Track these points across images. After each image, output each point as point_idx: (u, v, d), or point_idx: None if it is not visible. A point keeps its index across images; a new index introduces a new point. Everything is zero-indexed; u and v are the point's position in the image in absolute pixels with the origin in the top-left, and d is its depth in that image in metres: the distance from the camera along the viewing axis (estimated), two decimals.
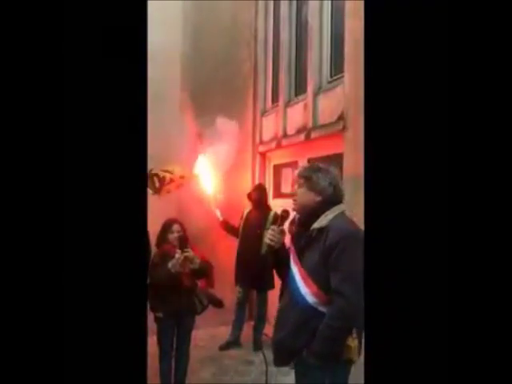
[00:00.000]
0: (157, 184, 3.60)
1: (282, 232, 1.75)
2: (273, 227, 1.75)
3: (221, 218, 3.96)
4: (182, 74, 4.34)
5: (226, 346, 3.71)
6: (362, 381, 1.15)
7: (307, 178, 1.68)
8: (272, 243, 1.72)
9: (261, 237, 3.52)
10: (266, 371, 1.85)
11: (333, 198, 1.67)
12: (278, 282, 3.40)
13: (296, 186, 1.73)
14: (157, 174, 3.61)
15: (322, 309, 1.56)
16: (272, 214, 3.61)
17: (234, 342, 3.75)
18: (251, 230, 3.65)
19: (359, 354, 1.60)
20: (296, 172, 1.77)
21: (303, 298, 1.58)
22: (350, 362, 1.60)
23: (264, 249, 1.78)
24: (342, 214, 1.67)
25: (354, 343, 1.54)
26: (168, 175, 3.67)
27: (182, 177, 3.79)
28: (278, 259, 1.75)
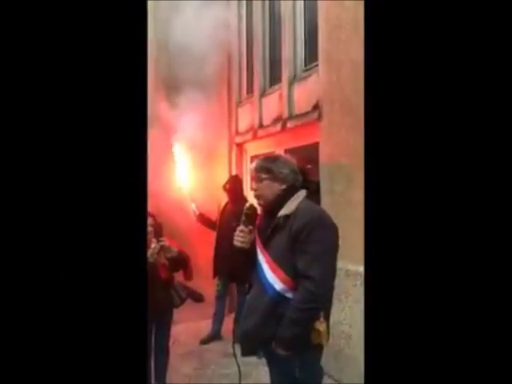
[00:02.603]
0: None
1: (251, 231, 1.72)
2: (241, 228, 1.71)
3: (197, 212, 3.91)
4: (156, 64, 4.22)
5: (207, 340, 3.69)
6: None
7: (268, 169, 1.67)
8: (243, 245, 1.69)
9: (226, 227, 3.53)
10: (239, 370, 1.81)
11: (296, 184, 1.69)
12: None
13: (256, 181, 1.70)
14: None
15: (289, 295, 1.55)
16: (243, 214, 3.53)
17: (215, 336, 3.73)
18: (228, 222, 3.62)
19: (328, 338, 1.60)
20: (253, 166, 1.74)
21: (271, 286, 1.57)
22: (320, 348, 1.60)
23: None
24: (305, 199, 1.68)
25: (323, 327, 1.54)
26: None
27: None
28: (251, 258, 1.71)
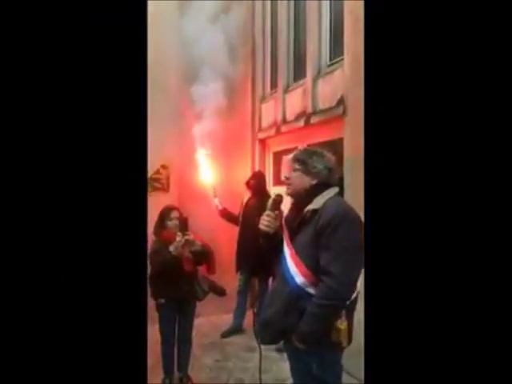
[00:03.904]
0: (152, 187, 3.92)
1: (277, 217, 1.72)
2: (268, 212, 1.72)
3: (220, 207, 3.95)
4: (179, 60, 4.27)
5: (228, 334, 3.73)
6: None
7: (303, 161, 1.67)
8: (268, 229, 1.70)
9: (250, 221, 3.55)
10: (260, 358, 1.80)
11: (328, 181, 1.67)
12: None
13: (290, 170, 1.70)
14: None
15: (310, 290, 1.55)
16: (271, 200, 3.57)
17: (235, 330, 3.77)
18: (251, 217, 3.63)
19: (350, 338, 1.58)
20: (290, 156, 1.74)
21: (292, 279, 1.58)
22: (340, 346, 1.57)
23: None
24: (336, 195, 1.67)
25: (344, 326, 1.52)
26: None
27: (164, 167, 3.99)
28: (273, 244, 1.72)
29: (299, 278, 1.57)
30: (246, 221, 3.71)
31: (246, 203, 3.82)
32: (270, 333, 1.68)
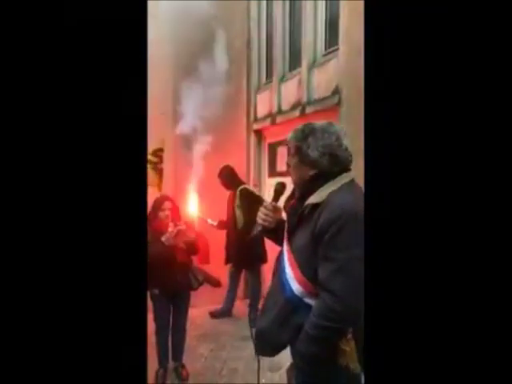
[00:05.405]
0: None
1: (276, 209, 1.50)
2: (265, 204, 1.49)
3: (215, 223, 3.79)
4: (174, 49, 4.22)
5: (217, 315, 3.81)
6: None
7: (297, 147, 1.37)
8: (265, 223, 1.47)
9: (231, 216, 3.60)
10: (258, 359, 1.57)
11: (331, 169, 1.34)
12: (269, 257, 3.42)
13: (290, 156, 1.43)
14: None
15: (308, 301, 1.30)
16: (238, 190, 3.58)
17: (224, 312, 3.85)
18: (230, 210, 3.69)
19: (359, 359, 1.28)
20: (288, 136, 1.43)
21: (288, 285, 1.32)
22: (348, 369, 1.28)
23: (257, 229, 1.51)
24: (346, 185, 1.34)
25: (350, 346, 1.26)
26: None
27: (160, 150, 3.96)
28: (275, 239, 1.52)
29: (295, 286, 1.31)
30: (229, 213, 3.73)
31: (229, 197, 3.79)
32: (266, 344, 1.42)
